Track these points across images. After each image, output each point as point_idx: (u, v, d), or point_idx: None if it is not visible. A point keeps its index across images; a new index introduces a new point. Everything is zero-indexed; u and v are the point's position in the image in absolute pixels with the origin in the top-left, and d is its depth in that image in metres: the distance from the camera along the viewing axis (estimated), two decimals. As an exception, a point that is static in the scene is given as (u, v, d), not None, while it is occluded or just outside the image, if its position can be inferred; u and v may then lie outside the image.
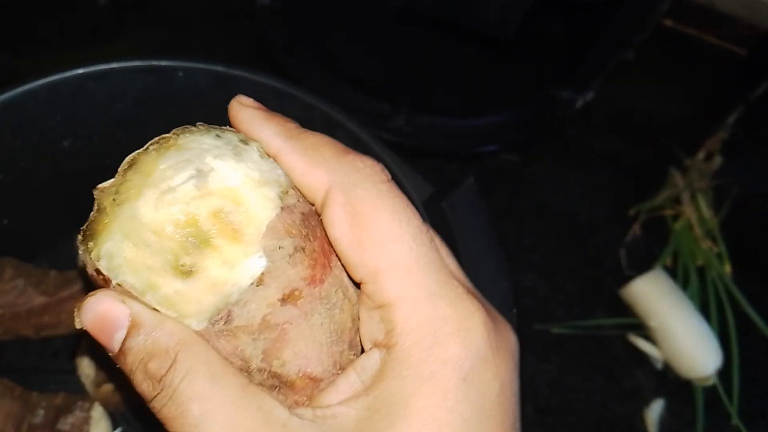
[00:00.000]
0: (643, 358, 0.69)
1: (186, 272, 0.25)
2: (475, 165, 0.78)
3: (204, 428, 0.24)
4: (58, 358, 0.58)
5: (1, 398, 0.51)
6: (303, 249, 0.26)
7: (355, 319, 0.28)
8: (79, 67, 0.52)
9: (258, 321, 0.26)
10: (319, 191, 0.27)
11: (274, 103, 0.54)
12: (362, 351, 0.28)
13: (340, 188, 0.27)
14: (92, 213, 0.27)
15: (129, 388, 0.52)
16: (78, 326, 0.27)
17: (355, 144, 0.53)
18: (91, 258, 0.26)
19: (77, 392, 0.53)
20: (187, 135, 0.27)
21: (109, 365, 0.28)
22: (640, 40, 0.76)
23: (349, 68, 0.77)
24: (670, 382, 0.68)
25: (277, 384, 0.27)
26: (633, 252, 0.75)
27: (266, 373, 0.26)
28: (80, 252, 0.27)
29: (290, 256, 0.26)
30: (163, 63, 0.53)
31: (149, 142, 0.27)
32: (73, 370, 0.56)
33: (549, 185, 0.78)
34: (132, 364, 0.26)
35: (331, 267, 0.27)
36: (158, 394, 0.25)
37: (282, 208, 0.26)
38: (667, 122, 0.85)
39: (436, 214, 0.48)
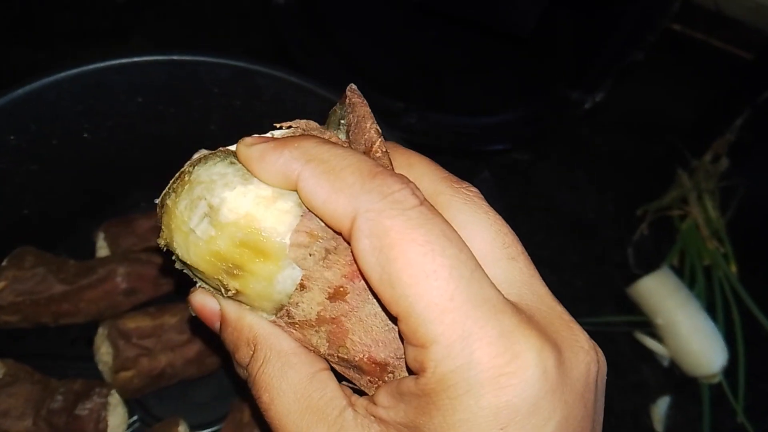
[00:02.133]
0: (649, 355, 0.70)
1: (234, 294, 0.27)
2: (485, 163, 0.79)
3: (270, 414, 0.27)
4: (75, 345, 0.59)
5: (21, 383, 0.52)
6: (335, 249, 0.26)
7: None
8: (102, 60, 0.53)
9: (314, 317, 0.27)
10: (344, 220, 0.25)
11: (292, 97, 0.55)
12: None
13: (366, 217, 0.24)
14: None
15: (146, 377, 0.53)
16: (193, 314, 0.31)
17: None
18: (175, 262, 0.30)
19: (94, 379, 0.54)
20: (200, 166, 0.28)
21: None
22: (649, 42, 0.77)
23: (362, 67, 0.78)
24: (677, 379, 0.69)
25: (349, 366, 0.28)
26: (640, 251, 0.76)
27: (336, 357, 0.28)
28: None
29: (323, 260, 0.26)
30: (184, 57, 0.54)
31: (172, 180, 0.29)
32: (90, 357, 0.57)
33: (558, 184, 0.79)
34: (228, 350, 0.30)
35: None
36: (247, 379, 0.29)
37: (302, 215, 0.26)
38: (675, 124, 0.86)
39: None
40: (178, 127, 0.57)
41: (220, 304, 0.29)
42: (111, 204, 0.63)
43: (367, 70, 0.78)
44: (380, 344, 0.27)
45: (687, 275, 0.74)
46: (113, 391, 0.52)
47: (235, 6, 0.86)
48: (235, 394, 0.56)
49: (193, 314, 0.31)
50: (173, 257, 0.29)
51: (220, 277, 0.27)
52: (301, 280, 0.26)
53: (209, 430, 0.56)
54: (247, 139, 0.27)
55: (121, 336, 0.53)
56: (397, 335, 0.27)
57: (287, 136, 0.28)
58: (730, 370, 0.68)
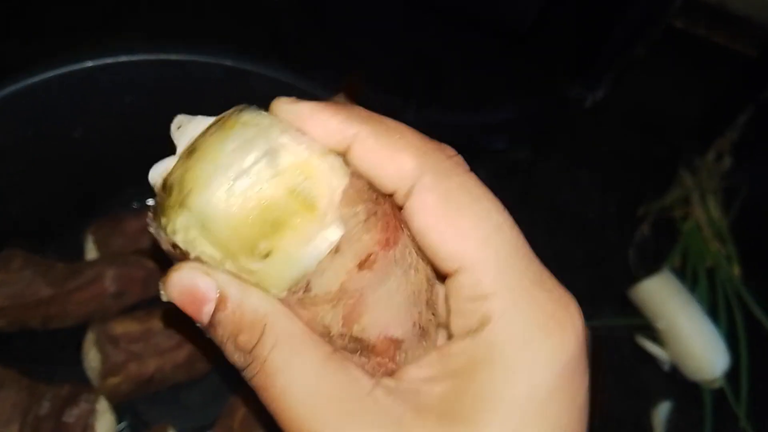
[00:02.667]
0: (650, 359, 0.69)
1: (263, 255, 0.25)
2: (485, 161, 0.78)
3: (288, 398, 0.25)
4: (64, 349, 0.58)
5: (7, 389, 0.51)
6: (375, 213, 0.26)
7: (430, 279, 0.28)
8: (90, 59, 0.52)
9: (336, 288, 0.25)
10: (405, 179, 0.25)
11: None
12: (449, 335, 0.27)
13: (433, 175, 0.25)
14: (158, 197, 0.27)
15: (135, 382, 0.52)
16: (164, 299, 0.27)
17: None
18: (166, 233, 0.26)
19: (83, 383, 0.53)
20: (246, 112, 0.26)
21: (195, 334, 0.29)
22: (651, 38, 0.75)
23: (360, 62, 0.77)
24: (678, 384, 0.68)
25: (359, 348, 0.26)
26: (642, 252, 0.75)
27: (347, 338, 0.26)
28: (151, 229, 0.27)
29: (365, 221, 0.25)
30: (176, 57, 0.52)
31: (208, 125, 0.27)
32: (79, 362, 0.55)
33: (559, 182, 0.78)
34: (222, 336, 0.26)
35: (402, 228, 0.27)
36: (249, 365, 0.26)
37: (351, 173, 0.26)
38: (677, 122, 0.85)
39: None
40: (168, 126, 0.56)
41: (217, 281, 0.25)
42: (101, 204, 0.62)
43: (366, 65, 0.77)
44: (398, 320, 0.26)
45: (689, 277, 0.72)
46: (101, 398, 0.51)
47: None
48: (226, 399, 0.55)
49: (165, 299, 0.26)
50: (161, 220, 0.26)
51: (257, 232, 0.24)
52: (339, 241, 0.25)
53: (200, 434, 0.55)
54: (286, 98, 0.27)
55: (109, 341, 0.52)
56: (418, 309, 0.27)
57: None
58: (732, 375, 0.67)
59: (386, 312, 0.26)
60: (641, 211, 0.77)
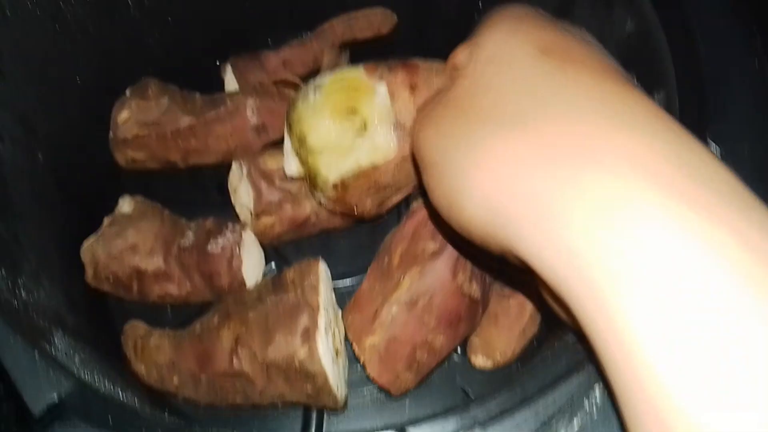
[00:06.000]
0: None
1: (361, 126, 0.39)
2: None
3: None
4: (206, 190, 0.54)
5: (150, 219, 0.47)
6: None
7: None
8: None
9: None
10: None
11: None
12: None
13: None
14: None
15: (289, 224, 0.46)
16: None
17: None
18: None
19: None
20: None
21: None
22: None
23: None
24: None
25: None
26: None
27: None
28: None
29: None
30: None
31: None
32: (222, 204, 0.51)
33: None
34: None
35: None
36: None
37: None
38: None
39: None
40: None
41: None
42: (236, 42, 0.56)
43: None
44: None
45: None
46: (248, 228, 0.47)
47: None
48: (374, 251, 0.48)
49: None
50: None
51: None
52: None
53: (350, 278, 0.50)
54: None
55: (263, 177, 0.46)
56: None
57: None
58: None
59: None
60: None
